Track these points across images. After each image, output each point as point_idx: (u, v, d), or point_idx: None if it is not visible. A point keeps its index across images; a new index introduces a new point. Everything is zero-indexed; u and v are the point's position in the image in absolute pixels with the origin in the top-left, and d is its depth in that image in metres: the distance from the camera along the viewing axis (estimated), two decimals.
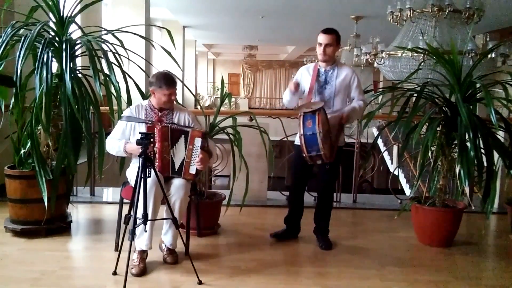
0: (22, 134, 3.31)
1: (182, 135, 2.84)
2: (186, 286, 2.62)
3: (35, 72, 3.07)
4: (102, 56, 3.17)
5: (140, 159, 2.51)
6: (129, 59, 3.42)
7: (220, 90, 4.33)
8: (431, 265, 3.08)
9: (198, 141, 2.80)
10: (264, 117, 4.97)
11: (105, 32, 3.56)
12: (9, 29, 3.10)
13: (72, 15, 3.30)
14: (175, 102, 2.99)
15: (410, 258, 3.25)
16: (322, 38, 3.13)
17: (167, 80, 2.84)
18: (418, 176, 3.41)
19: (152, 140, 2.61)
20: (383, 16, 5.68)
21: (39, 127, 3.21)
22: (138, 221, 2.55)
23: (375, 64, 6.49)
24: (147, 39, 4.42)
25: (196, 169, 2.82)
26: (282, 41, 16.28)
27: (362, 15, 9.06)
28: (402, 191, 9.03)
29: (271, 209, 4.35)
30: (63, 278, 2.69)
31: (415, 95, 3.34)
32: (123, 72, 3.37)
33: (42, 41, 3.08)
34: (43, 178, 3.10)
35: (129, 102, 3.33)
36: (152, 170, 2.57)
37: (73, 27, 3.36)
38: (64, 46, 3.11)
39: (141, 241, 2.76)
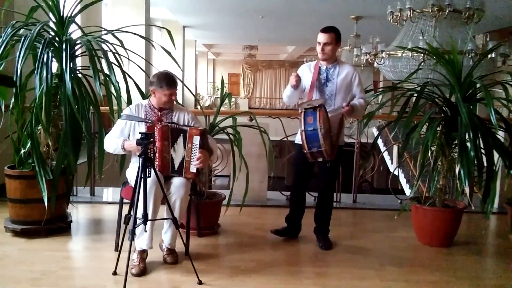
0: (22, 134, 3.30)
1: (181, 134, 2.84)
2: (186, 286, 2.61)
3: (35, 72, 3.07)
4: (102, 56, 3.17)
5: (140, 159, 2.51)
6: (129, 59, 3.42)
7: (220, 90, 4.33)
8: (431, 265, 3.07)
9: (196, 139, 2.80)
10: (264, 117, 4.99)
11: (105, 32, 3.56)
12: (9, 29, 3.10)
13: (72, 15, 3.30)
14: (175, 102, 2.99)
15: (410, 258, 3.25)
16: (321, 37, 3.14)
17: (168, 80, 2.84)
18: (418, 176, 3.41)
19: (152, 140, 2.61)
20: (383, 16, 5.68)
21: (39, 127, 3.21)
22: (138, 221, 2.55)
23: (375, 64, 6.48)
24: (147, 39, 4.43)
25: (197, 168, 2.82)
26: (282, 41, 16.27)
27: (362, 15, 9.07)
28: (402, 191, 9.02)
29: (271, 209, 4.35)
30: (63, 278, 2.68)
31: (415, 95, 3.34)
32: (123, 72, 3.37)
33: (42, 41, 3.08)
34: (43, 178, 3.10)
35: (129, 102, 3.33)
36: (152, 170, 2.57)
37: (73, 27, 3.36)
38: (64, 46, 3.12)
39: (141, 241, 2.76)
